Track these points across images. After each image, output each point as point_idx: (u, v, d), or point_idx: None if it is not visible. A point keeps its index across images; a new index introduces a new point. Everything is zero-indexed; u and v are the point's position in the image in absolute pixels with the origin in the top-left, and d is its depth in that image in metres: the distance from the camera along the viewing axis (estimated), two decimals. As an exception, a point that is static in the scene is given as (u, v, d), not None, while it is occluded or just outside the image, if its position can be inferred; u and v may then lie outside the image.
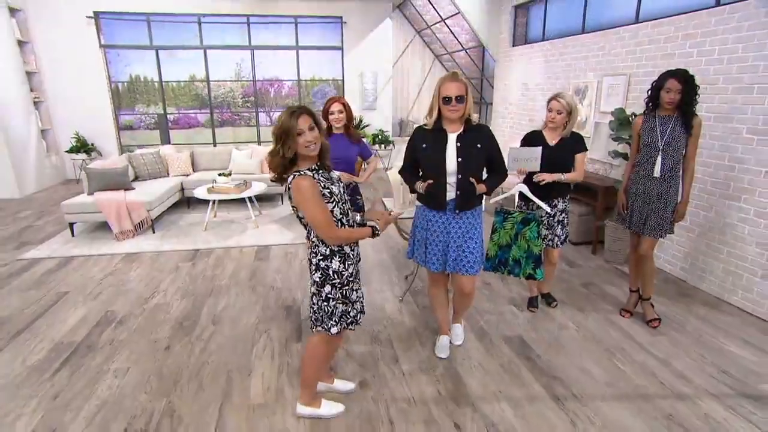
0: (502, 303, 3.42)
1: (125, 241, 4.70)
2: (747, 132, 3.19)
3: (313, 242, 2.00)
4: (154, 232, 4.98)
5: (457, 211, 2.41)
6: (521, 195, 2.97)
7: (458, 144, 2.34)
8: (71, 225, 4.82)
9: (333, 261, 1.98)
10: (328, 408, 2.24)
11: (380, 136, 8.45)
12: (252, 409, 2.27)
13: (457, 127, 2.36)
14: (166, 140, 8.13)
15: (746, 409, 2.27)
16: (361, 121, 8.53)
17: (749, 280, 3.22)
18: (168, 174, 6.05)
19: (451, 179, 2.37)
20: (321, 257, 1.98)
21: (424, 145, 2.40)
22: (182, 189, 5.91)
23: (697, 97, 2.65)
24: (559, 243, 3.08)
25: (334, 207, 1.92)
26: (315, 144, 1.88)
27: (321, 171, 1.95)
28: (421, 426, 2.16)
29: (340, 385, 2.43)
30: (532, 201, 2.90)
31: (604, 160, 4.70)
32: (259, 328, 3.05)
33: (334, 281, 2.00)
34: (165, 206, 5.34)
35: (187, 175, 6.13)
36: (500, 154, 2.47)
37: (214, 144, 8.12)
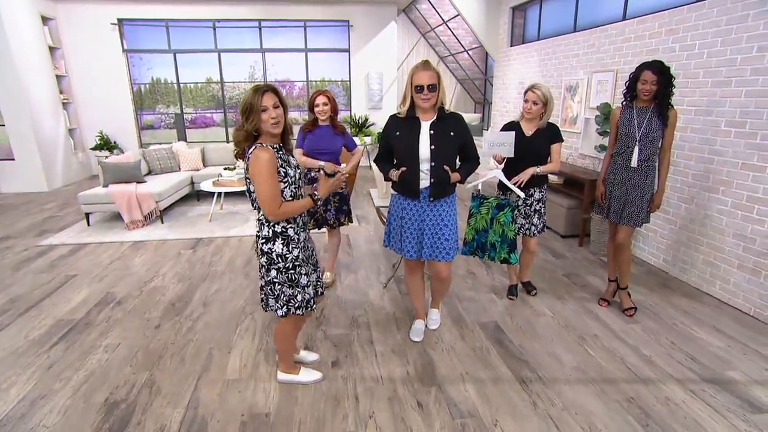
0: (483, 291, 3.45)
1: (135, 230, 4.97)
2: (725, 125, 3.17)
3: (259, 222, 2.02)
4: (162, 222, 5.23)
5: (431, 199, 2.43)
6: (499, 182, 3.00)
7: (431, 132, 2.36)
8: (87, 215, 5.12)
9: (276, 244, 1.98)
10: (306, 375, 2.37)
11: (386, 134, 8.56)
12: (226, 383, 2.38)
13: (430, 116, 2.38)
14: (182, 138, 8.48)
15: (707, 393, 2.25)
16: (366, 119, 8.68)
17: (727, 270, 3.20)
18: (179, 169, 6.35)
19: (425, 167, 2.38)
20: (264, 240, 1.99)
21: (397, 133, 2.43)
22: (192, 183, 6.17)
23: (672, 88, 2.65)
24: (536, 232, 3.09)
25: (285, 188, 1.94)
26: (279, 121, 1.90)
27: (282, 152, 1.98)
28: (385, 403, 2.22)
29: (305, 354, 2.56)
30: (508, 187, 2.93)
31: (593, 155, 4.72)
32: (246, 310, 3.18)
33: (278, 264, 2.00)
34: (174, 198, 5.60)
35: (198, 170, 6.41)
36: (473, 142, 2.49)
37: (227, 142, 8.43)
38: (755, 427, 2.03)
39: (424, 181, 2.41)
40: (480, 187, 2.97)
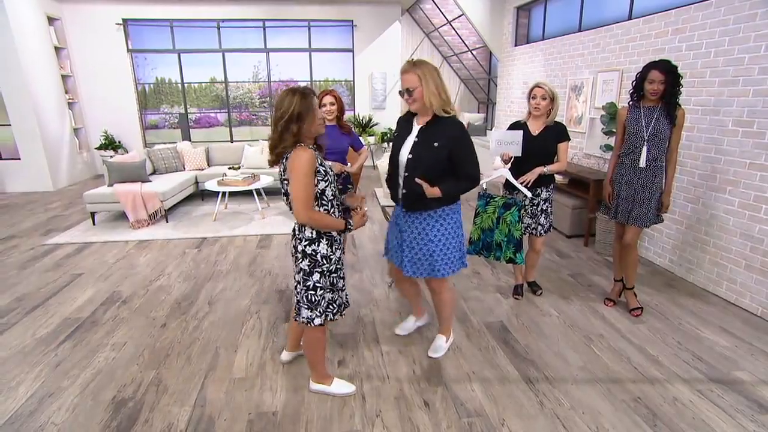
0: (488, 290, 3.44)
1: (140, 229, 4.98)
2: (732, 124, 3.16)
3: (300, 224, 1.98)
4: (167, 222, 5.25)
5: (404, 210, 2.28)
6: (506, 181, 3.00)
7: (416, 138, 2.15)
8: (92, 214, 5.14)
9: (320, 245, 1.95)
10: (338, 387, 2.28)
11: (389, 134, 8.61)
12: (233, 382, 2.39)
13: (424, 118, 2.16)
14: (186, 138, 8.53)
15: (715, 393, 2.25)
16: (370, 119, 8.68)
17: (733, 271, 3.19)
18: (184, 168, 6.37)
19: (402, 174, 2.19)
20: (307, 242, 1.94)
21: (396, 134, 2.31)
22: (197, 182, 6.19)
23: (680, 87, 2.63)
24: (542, 231, 3.09)
25: (326, 187, 1.92)
26: (324, 122, 1.96)
27: (317, 153, 1.98)
28: (391, 402, 2.22)
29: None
30: (515, 186, 2.92)
31: (598, 155, 4.71)
32: (251, 309, 3.18)
33: (323, 267, 1.96)
34: (178, 198, 5.62)
35: (202, 170, 6.43)
36: (468, 157, 2.15)
37: (231, 141, 8.45)
38: (763, 427, 2.02)
39: (403, 190, 2.22)
40: (485, 186, 2.97)
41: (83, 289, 3.55)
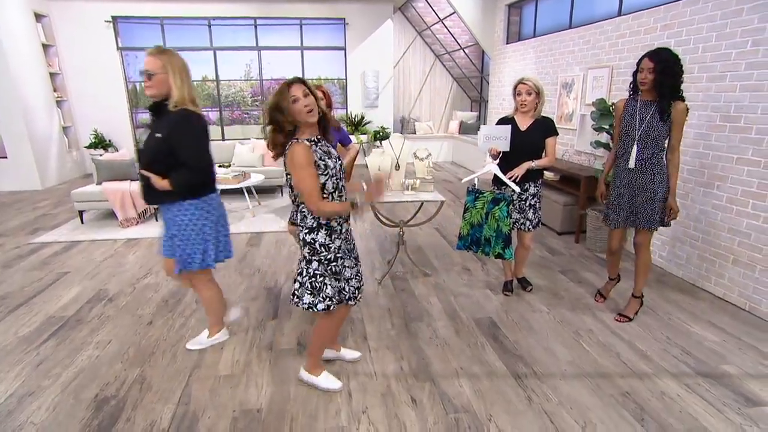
0: (478, 286, 3.43)
1: (129, 228, 4.93)
2: (720, 120, 3.16)
3: (302, 214, 2.00)
4: (157, 220, 5.19)
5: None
6: (494, 176, 2.98)
7: (149, 130, 2.20)
8: (81, 213, 5.08)
9: (319, 234, 1.98)
10: (325, 380, 2.27)
11: (381, 133, 8.62)
12: (218, 379, 2.35)
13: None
14: (178, 137, 8.46)
15: (703, 387, 2.25)
16: (362, 117, 8.66)
17: (722, 266, 3.19)
18: (174, 167, 6.29)
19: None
20: (307, 230, 1.99)
21: None
22: (187, 181, 6.11)
23: (673, 79, 2.44)
24: (530, 227, 3.07)
25: (327, 180, 1.91)
26: (312, 108, 1.86)
27: (321, 143, 1.95)
28: (378, 398, 2.20)
29: (346, 353, 2.51)
30: (503, 181, 2.91)
31: (589, 151, 4.72)
32: (240, 306, 3.15)
33: (321, 255, 1.99)
34: (168, 197, 5.55)
35: (192, 169, 6.36)
36: (184, 145, 2.14)
37: (223, 139, 8.41)
38: (750, 419, 2.02)
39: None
40: (476, 182, 2.96)
41: (69, 287, 3.50)
